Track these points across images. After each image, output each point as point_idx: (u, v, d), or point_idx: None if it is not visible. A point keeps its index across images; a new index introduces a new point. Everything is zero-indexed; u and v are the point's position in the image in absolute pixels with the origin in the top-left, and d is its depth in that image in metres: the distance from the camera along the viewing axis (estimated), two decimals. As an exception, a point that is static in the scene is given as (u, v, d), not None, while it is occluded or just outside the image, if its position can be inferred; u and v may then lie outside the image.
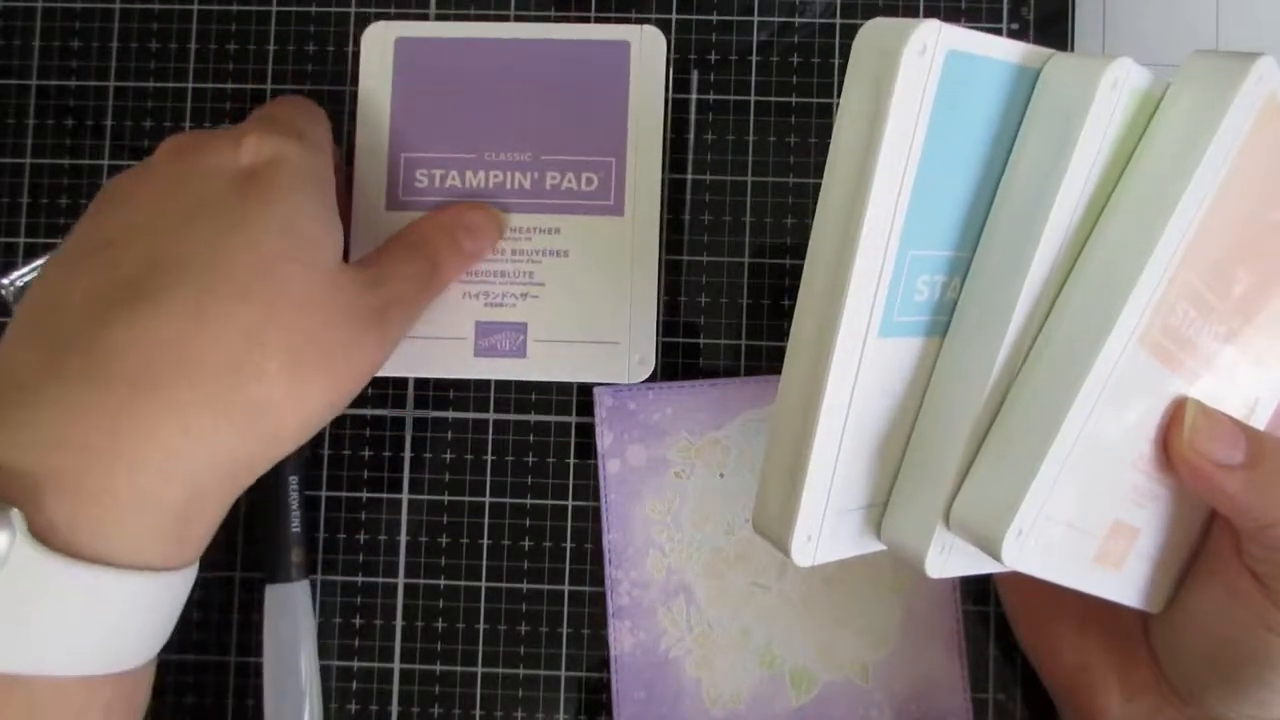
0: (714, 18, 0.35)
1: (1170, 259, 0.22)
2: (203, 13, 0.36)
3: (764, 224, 0.34)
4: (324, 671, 0.34)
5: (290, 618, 0.33)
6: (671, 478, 0.34)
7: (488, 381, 0.34)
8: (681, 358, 0.34)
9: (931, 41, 0.21)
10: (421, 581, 0.34)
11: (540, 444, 0.34)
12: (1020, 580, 0.25)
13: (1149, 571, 0.27)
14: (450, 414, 0.35)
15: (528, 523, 0.34)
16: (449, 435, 0.34)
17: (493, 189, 0.34)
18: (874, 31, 0.21)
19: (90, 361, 0.24)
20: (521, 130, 0.34)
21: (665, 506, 0.34)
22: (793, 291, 0.32)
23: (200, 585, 0.28)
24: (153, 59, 0.35)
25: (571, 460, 0.34)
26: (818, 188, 0.24)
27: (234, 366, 0.24)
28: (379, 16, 0.35)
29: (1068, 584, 0.25)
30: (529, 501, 0.34)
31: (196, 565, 0.26)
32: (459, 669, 0.34)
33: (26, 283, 0.34)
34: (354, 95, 0.35)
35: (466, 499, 0.34)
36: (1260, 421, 0.28)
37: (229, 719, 0.34)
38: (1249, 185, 0.23)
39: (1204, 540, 0.28)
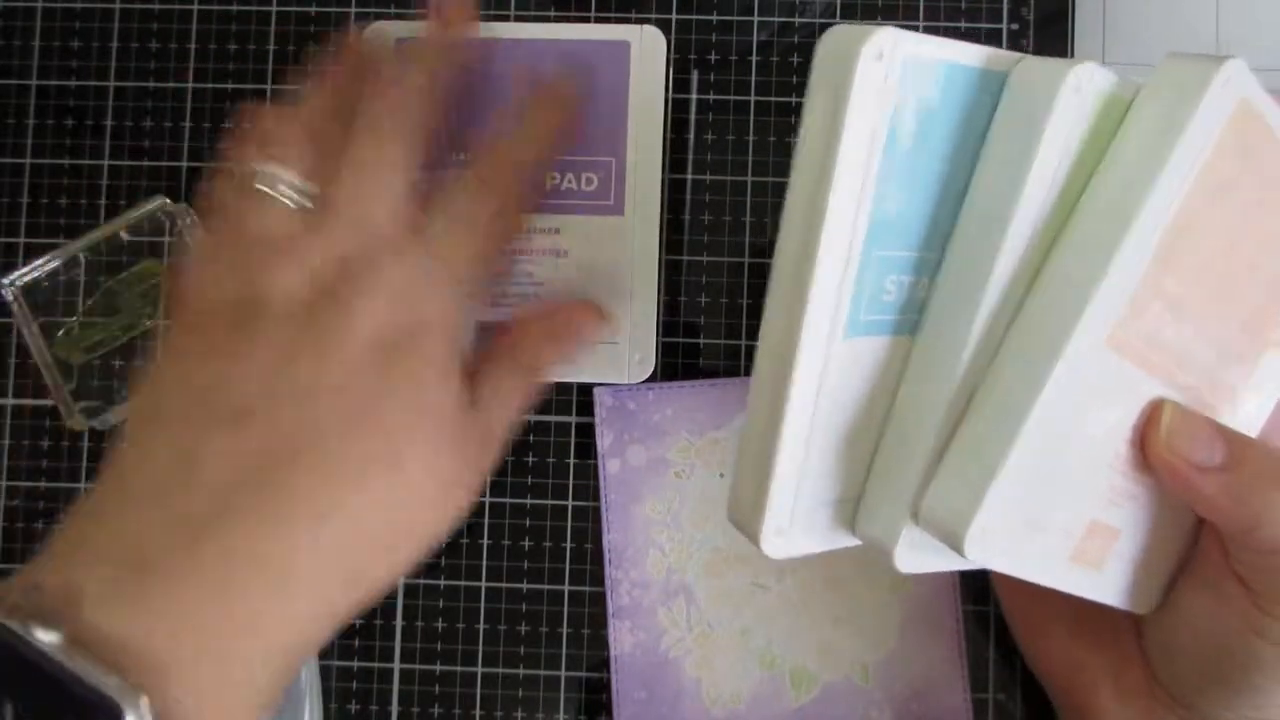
0: (714, 18, 0.35)
1: (1137, 262, 0.22)
2: (203, 13, 0.36)
3: (764, 224, 0.34)
4: (324, 671, 0.34)
5: (290, 618, 0.33)
6: (671, 478, 0.34)
7: (488, 381, 0.34)
8: (681, 358, 0.34)
9: (888, 48, 0.21)
10: (421, 581, 0.34)
11: (540, 444, 0.34)
12: (1013, 581, 0.25)
13: (1132, 572, 0.27)
14: (450, 414, 0.35)
15: (528, 523, 0.34)
16: (449, 435, 0.34)
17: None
18: (832, 39, 0.22)
19: (219, 550, 0.23)
20: None
21: (665, 506, 0.34)
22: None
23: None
24: (153, 59, 0.35)
25: (571, 460, 0.34)
26: (818, 188, 0.25)
27: (345, 567, 0.25)
28: (379, 16, 0.35)
29: (1044, 582, 0.25)
30: (529, 501, 0.34)
31: None
32: (459, 669, 0.34)
33: (27, 282, 0.34)
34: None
35: (466, 499, 0.34)
36: (1253, 424, 0.27)
37: (229, 719, 0.34)
38: (1227, 189, 0.23)
39: (1194, 543, 0.27)
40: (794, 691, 0.33)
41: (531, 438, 0.34)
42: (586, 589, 0.34)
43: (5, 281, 0.34)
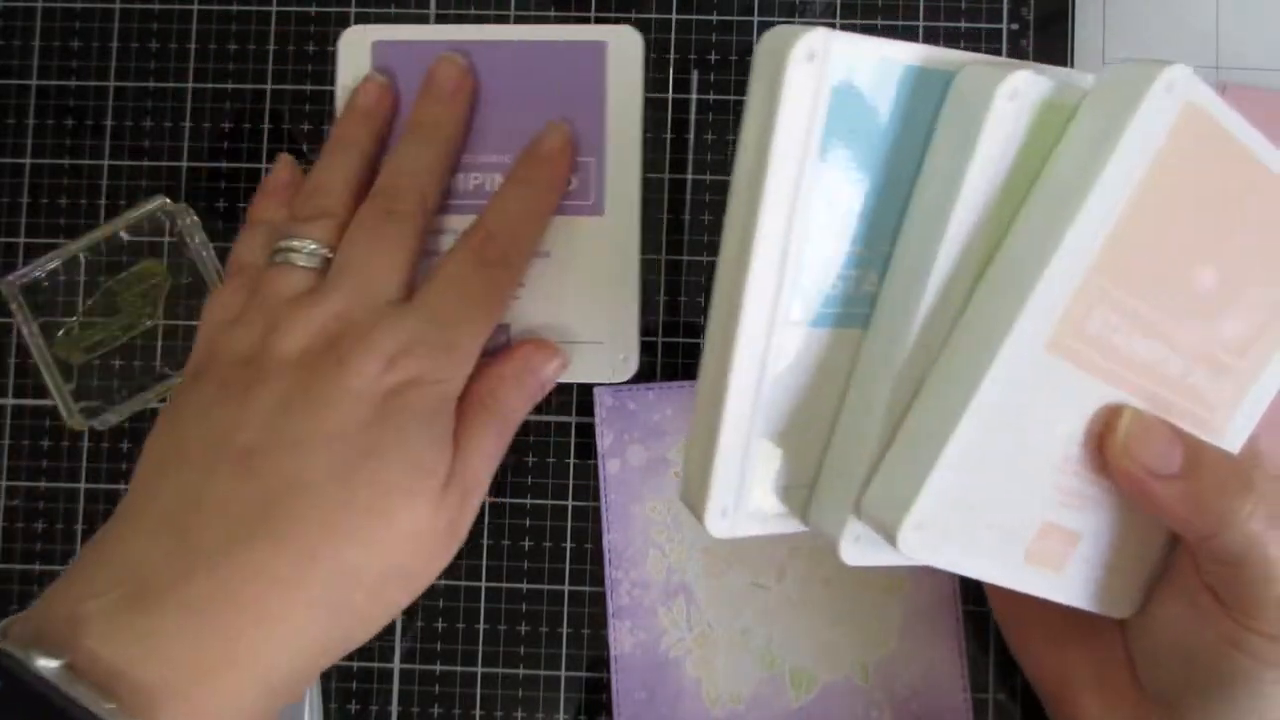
0: (714, 18, 0.35)
1: (1075, 266, 0.22)
2: (203, 13, 0.36)
3: (764, 224, 0.34)
4: (324, 671, 0.34)
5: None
6: (671, 478, 0.34)
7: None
8: (681, 358, 0.34)
9: (820, 48, 0.22)
10: (421, 581, 0.34)
11: (540, 444, 0.34)
12: (1001, 586, 0.25)
13: (1100, 576, 0.26)
14: (450, 414, 0.35)
15: (528, 523, 0.34)
16: (449, 435, 0.34)
17: (472, 191, 0.34)
18: (769, 39, 0.23)
19: (215, 584, 0.25)
20: (500, 133, 0.34)
21: (665, 506, 0.34)
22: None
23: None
24: (153, 59, 0.35)
25: (571, 460, 0.34)
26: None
27: (333, 608, 0.26)
28: (379, 17, 0.35)
29: (999, 582, 0.25)
30: (529, 501, 0.34)
31: None
32: (459, 669, 0.34)
33: (27, 282, 0.34)
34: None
35: (466, 499, 0.34)
36: (1240, 433, 0.27)
37: (229, 719, 0.34)
38: (1176, 195, 0.23)
39: (1171, 549, 0.27)
40: (794, 691, 0.33)
41: (531, 438, 0.34)
42: (586, 589, 0.34)
43: (5, 281, 0.34)
